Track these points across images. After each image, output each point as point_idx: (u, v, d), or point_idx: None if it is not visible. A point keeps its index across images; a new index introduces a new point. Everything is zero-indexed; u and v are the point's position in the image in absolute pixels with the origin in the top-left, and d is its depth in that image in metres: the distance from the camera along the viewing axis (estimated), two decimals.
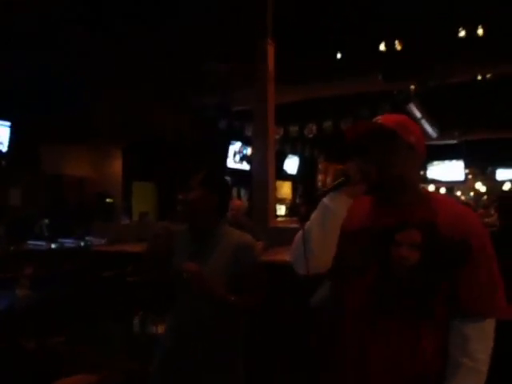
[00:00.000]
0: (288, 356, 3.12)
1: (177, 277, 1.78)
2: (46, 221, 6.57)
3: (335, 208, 1.30)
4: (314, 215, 1.35)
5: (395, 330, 1.27)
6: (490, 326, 1.26)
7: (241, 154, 11.40)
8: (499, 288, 1.26)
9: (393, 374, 1.27)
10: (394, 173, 1.33)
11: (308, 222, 1.35)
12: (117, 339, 2.75)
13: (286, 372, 3.06)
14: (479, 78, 7.51)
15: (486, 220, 6.67)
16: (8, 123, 6.76)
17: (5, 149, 6.78)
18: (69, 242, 5.82)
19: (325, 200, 1.32)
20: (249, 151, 10.90)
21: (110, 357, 2.43)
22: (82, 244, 5.81)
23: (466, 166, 14.79)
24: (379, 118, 1.38)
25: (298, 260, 1.36)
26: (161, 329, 2.56)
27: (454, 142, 12.34)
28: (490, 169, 15.76)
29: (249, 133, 9.01)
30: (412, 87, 7.95)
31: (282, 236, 4.08)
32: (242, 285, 1.73)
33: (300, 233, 1.36)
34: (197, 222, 1.82)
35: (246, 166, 11.29)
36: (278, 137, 8.72)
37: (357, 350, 1.32)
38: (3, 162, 6.81)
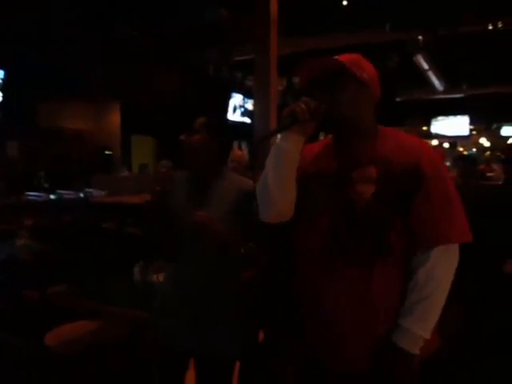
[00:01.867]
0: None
1: (179, 223, 1.75)
2: (42, 173, 6.53)
3: (287, 147, 1.27)
4: (267, 159, 1.32)
5: (350, 271, 1.26)
6: (452, 251, 1.25)
7: (242, 109, 11.17)
8: (458, 212, 1.25)
9: (347, 316, 1.27)
10: (343, 110, 1.29)
11: (265, 170, 1.32)
12: (117, 288, 2.75)
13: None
14: (490, 27, 7.21)
15: (489, 175, 6.61)
16: (1, 72, 6.56)
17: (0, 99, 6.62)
18: (68, 194, 5.80)
19: (277, 141, 1.29)
20: (250, 105, 10.66)
21: (110, 306, 2.43)
22: (82, 195, 5.79)
23: (472, 122, 14.56)
24: (333, 57, 1.32)
25: (259, 207, 1.34)
26: (161, 277, 2.55)
27: (461, 95, 12.06)
28: (495, 125, 15.56)
29: (250, 83, 8.79)
30: (420, 37, 7.67)
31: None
32: (244, 230, 1.69)
33: (259, 181, 1.34)
34: (198, 165, 1.77)
35: (247, 119, 11.10)
36: (281, 88, 8.51)
37: (312, 296, 1.33)
38: None
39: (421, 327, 1.22)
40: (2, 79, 6.59)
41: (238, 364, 1.96)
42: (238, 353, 1.78)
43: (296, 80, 9.37)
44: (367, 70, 1.33)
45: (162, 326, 1.79)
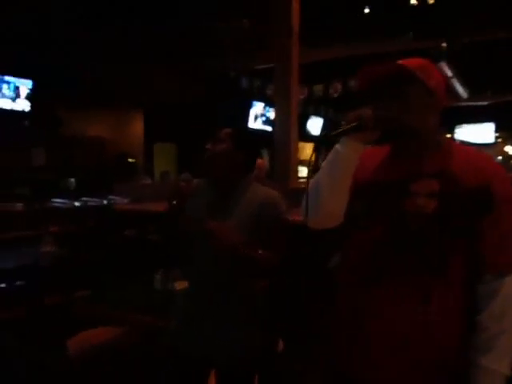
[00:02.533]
0: (305, 317, 3.12)
1: (196, 233, 1.75)
2: (72, 180, 6.65)
3: (346, 153, 1.22)
4: (324, 162, 1.27)
5: (401, 288, 1.19)
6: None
7: (263, 118, 11.18)
8: None
9: (395, 338, 1.18)
10: (410, 120, 1.22)
11: (318, 174, 1.27)
12: (138, 296, 2.78)
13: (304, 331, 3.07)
14: None
15: None
16: (30, 81, 6.75)
17: (27, 108, 6.79)
18: (92, 201, 5.89)
19: (336, 145, 1.23)
20: (271, 114, 10.67)
21: (131, 312, 2.45)
22: (105, 202, 5.87)
23: (497, 130, 14.27)
24: (399, 61, 1.25)
25: (306, 210, 1.26)
26: (181, 285, 2.56)
27: (485, 103, 11.84)
28: None
29: (270, 92, 8.80)
30: (444, 45, 7.57)
31: (303, 197, 4.03)
32: (264, 241, 1.68)
33: (311, 182, 1.28)
34: (221, 175, 1.77)
35: (267, 127, 11.11)
36: (302, 97, 8.51)
37: (355, 310, 1.25)
38: (26, 122, 6.85)
39: (503, 364, 1.14)
40: (30, 89, 6.77)
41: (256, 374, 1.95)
42: (256, 362, 1.77)
43: (318, 87, 9.35)
44: (435, 77, 1.26)
45: (179, 334, 1.80)
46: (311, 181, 1.29)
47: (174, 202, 1.78)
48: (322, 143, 1.23)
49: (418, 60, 1.27)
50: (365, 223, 1.27)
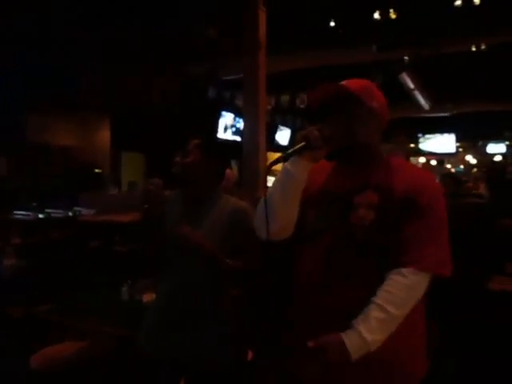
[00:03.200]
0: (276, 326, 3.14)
1: (168, 240, 1.76)
2: (34, 191, 6.48)
3: (295, 172, 1.30)
4: (275, 179, 1.36)
5: (347, 291, 1.28)
6: (421, 279, 1.24)
7: (233, 128, 11.20)
8: (440, 245, 1.26)
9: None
10: (354, 138, 1.33)
11: (270, 187, 1.36)
12: (104, 308, 2.73)
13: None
14: (473, 48, 7.40)
15: (475, 192, 6.71)
16: None
17: None
18: (56, 212, 5.75)
19: (286, 164, 1.31)
20: (241, 124, 10.71)
21: (97, 325, 2.41)
22: (71, 214, 5.75)
23: (458, 140, 14.80)
24: (343, 83, 1.36)
25: (259, 224, 1.36)
26: (148, 297, 2.54)
27: (446, 114, 12.28)
28: (481, 142, 15.82)
29: (240, 102, 8.85)
30: (406, 57, 7.83)
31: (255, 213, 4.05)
32: (235, 250, 1.71)
33: (263, 198, 1.36)
34: (191, 186, 1.79)
35: (237, 137, 11.14)
36: (269, 107, 8.61)
37: (309, 314, 1.34)
38: None
39: (368, 332, 1.20)
40: None
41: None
42: (228, 368, 1.78)
43: (285, 98, 9.48)
44: (377, 98, 1.36)
45: (150, 340, 1.79)
46: (261, 200, 1.37)
47: (146, 206, 1.78)
48: (275, 163, 1.30)
49: (361, 81, 1.38)
50: (315, 232, 1.36)
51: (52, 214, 5.68)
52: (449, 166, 15.83)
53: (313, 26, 6.69)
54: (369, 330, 1.20)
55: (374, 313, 1.22)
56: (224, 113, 10.80)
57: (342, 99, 1.32)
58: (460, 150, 15.82)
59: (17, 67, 6.21)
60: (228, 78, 8.48)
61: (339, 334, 1.21)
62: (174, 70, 8.38)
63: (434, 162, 15.23)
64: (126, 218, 4.30)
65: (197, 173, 1.76)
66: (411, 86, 9.44)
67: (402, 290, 1.23)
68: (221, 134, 10.84)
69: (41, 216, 5.53)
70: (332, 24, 6.80)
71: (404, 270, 1.23)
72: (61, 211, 5.80)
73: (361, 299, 1.25)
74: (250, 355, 2.72)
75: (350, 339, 1.20)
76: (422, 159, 14.70)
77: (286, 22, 6.23)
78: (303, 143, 1.26)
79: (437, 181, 1.41)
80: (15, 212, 5.49)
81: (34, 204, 6.08)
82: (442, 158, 15.28)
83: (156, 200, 1.79)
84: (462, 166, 15.99)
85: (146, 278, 2.68)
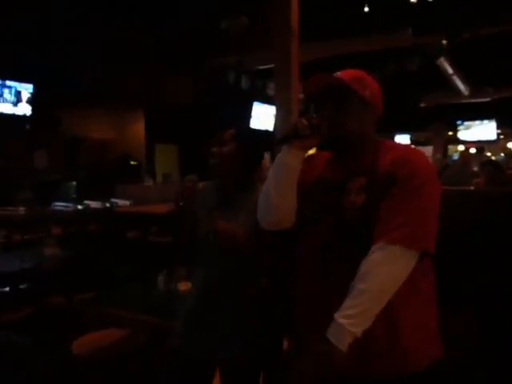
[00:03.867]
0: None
1: (203, 234, 1.77)
2: (74, 183, 6.66)
3: (287, 161, 1.34)
4: (270, 169, 1.40)
5: (342, 275, 1.29)
6: (398, 255, 1.22)
7: (265, 118, 11.14)
8: (419, 221, 1.24)
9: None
10: (345, 128, 1.35)
11: (267, 179, 1.40)
12: (141, 297, 2.78)
13: None
14: None
15: None
16: (31, 86, 6.75)
17: (29, 113, 6.80)
18: (94, 204, 5.89)
19: (279, 154, 1.36)
20: (273, 114, 10.63)
21: (134, 314, 2.45)
22: (108, 205, 5.88)
23: (499, 126, 14.22)
24: (337, 73, 1.39)
25: (260, 215, 1.42)
26: (184, 286, 2.57)
27: (487, 99, 11.80)
28: None
29: (270, 92, 8.80)
30: (444, 42, 7.55)
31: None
32: (268, 242, 1.68)
33: (262, 188, 1.43)
34: (229, 176, 1.80)
35: (269, 127, 11.09)
36: (301, 96, 8.49)
37: (307, 301, 1.38)
38: (27, 126, 6.85)
39: (349, 321, 1.19)
40: (31, 93, 6.78)
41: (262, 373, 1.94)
42: (261, 362, 1.77)
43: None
44: (370, 87, 1.38)
45: (185, 335, 1.80)
46: (262, 187, 1.43)
47: (181, 204, 1.80)
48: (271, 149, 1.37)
49: (355, 72, 1.41)
50: (313, 220, 1.40)
51: (90, 206, 5.83)
52: (489, 153, 15.26)
53: (347, 12, 6.54)
54: (342, 315, 1.20)
55: (354, 300, 1.22)
56: (256, 102, 10.77)
57: (333, 89, 1.35)
58: (501, 137, 15.21)
59: (52, 64, 6.36)
60: (260, 67, 8.42)
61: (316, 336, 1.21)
62: (205, 62, 8.40)
63: (473, 150, 14.74)
64: (162, 209, 4.35)
65: (234, 162, 1.77)
66: (450, 71, 9.11)
67: (369, 266, 1.21)
68: (253, 124, 10.84)
69: (80, 207, 5.68)
70: (366, 9, 6.62)
71: (373, 247, 1.23)
72: (98, 202, 5.94)
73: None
74: (285, 345, 2.71)
75: (328, 333, 1.20)
76: (461, 147, 14.24)
77: (318, 8, 6.10)
78: (291, 132, 1.31)
79: (426, 159, 1.38)
80: (55, 203, 5.66)
81: (74, 195, 6.26)
82: (481, 145, 14.75)
83: (191, 198, 1.81)
84: (502, 154, 15.39)
85: (181, 266, 2.71)
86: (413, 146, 1.49)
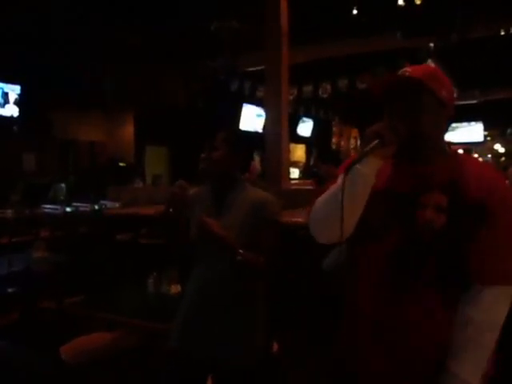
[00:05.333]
0: (299, 318, 3.13)
1: (196, 235, 1.77)
2: (63, 185, 6.61)
3: (366, 171, 1.19)
4: (343, 180, 1.20)
5: (412, 299, 1.20)
6: (509, 294, 1.17)
7: (254, 120, 11.17)
8: None
9: (406, 345, 1.21)
10: (421, 132, 1.21)
11: (334, 188, 1.24)
12: (131, 300, 2.77)
13: (299, 333, 3.08)
14: (502, 33, 7.15)
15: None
16: (18, 87, 6.69)
17: (16, 114, 6.74)
18: (83, 206, 5.85)
19: (357, 165, 1.18)
20: (262, 116, 10.68)
21: (125, 316, 2.44)
22: (97, 207, 5.84)
23: (486, 128, 14.40)
24: (407, 70, 1.25)
25: (322, 229, 1.28)
26: (175, 288, 2.56)
27: (474, 101, 11.94)
28: (509, 130, 15.35)
29: (259, 94, 8.81)
30: (431, 44, 7.63)
31: (295, 198, 4.04)
32: (256, 241, 1.70)
33: (320, 199, 1.28)
34: (220, 180, 1.82)
35: (259, 129, 11.13)
36: (291, 97, 8.52)
37: (370, 319, 1.26)
38: (15, 128, 6.80)
39: (469, 373, 1.14)
40: (19, 94, 6.72)
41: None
42: (256, 364, 1.78)
43: (308, 89, 9.38)
44: (446, 86, 1.25)
45: (182, 334, 1.80)
46: (318, 201, 1.29)
47: (171, 210, 1.80)
48: (350, 169, 1.19)
49: (428, 68, 1.28)
50: (378, 234, 1.27)
51: (79, 208, 5.78)
52: (476, 155, 15.43)
53: (335, 15, 6.58)
54: (468, 371, 1.14)
55: (469, 348, 1.15)
56: (245, 104, 10.80)
57: (409, 88, 1.22)
58: (488, 138, 15.40)
59: (40, 65, 6.31)
60: (249, 69, 8.43)
61: None
62: (195, 64, 8.39)
63: (460, 151, 14.85)
64: (152, 211, 4.34)
65: (225, 166, 1.78)
66: None
67: (489, 313, 1.15)
68: (242, 126, 10.85)
69: (68, 210, 5.64)
70: (355, 12, 6.66)
71: (488, 290, 1.15)
72: (87, 205, 5.90)
73: (427, 310, 1.19)
74: (275, 348, 2.72)
75: None
76: None
77: (308, 11, 6.13)
78: (376, 141, 1.16)
79: (504, 179, 1.30)
80: (44, 206, 5.61)
81: (62, 198, 6.21)
82: (469, 147, 14.91)
83: (181, 204, 1.81)
84: (489, 156, 15.58)
85: (172, 269, 2.71)
86: (488, 163, 1.36)
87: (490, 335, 1.16)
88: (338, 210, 1.17)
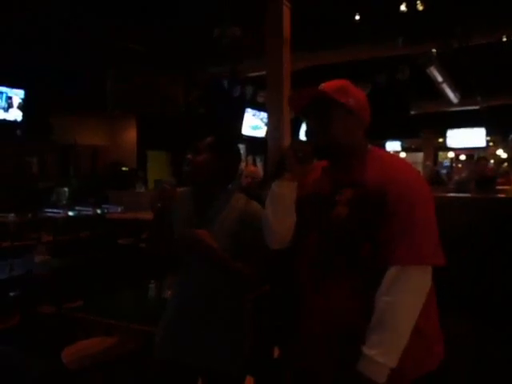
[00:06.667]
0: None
1: (179, 240, 1.77)
2: (65, 189, 6.63)
3: (281, 192, 1.40)
4: (267, 199, 1.46)
5: (328, 283, 1.34)
6: (413, 274, 1.24)
7: (256, 124, 11.18)
8: (422, 236, 1.25)
9: (329, 326, 1.33)
10: (333, 139, 1.36)
11: (266, 205, 1.47)
12: (132, 305, 2.77)
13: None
14: (504, 39, 7.16)
15: (507, 187, 6.48)
16: (22, 91, 6.73)
17: (19, 118, 6.77)
18: (86, 210, 5.87)
19: (272, 186, 1.43)
20: (264, 121, 10.71)
21: (125, 321, 2.45)
22: (99, 212, 5.86)
23: (488, 133, 14.38)
24: (321, 85, 1.40)
25: (265, 238, 1.49)
26: None
27: (476, 107, 11.94)
28: (511, 136, 15.33)
29: (260, 99, 8.82)
30: (433, 50, 7.64)
31: None
32: (243, 253, 1.69)
33: (263, 215, 1.49)
34: (201, 185, 1.79)
35: (261, 134, 11.14)
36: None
37: (305, 309, 1.42)
38: (18, 132, 6.83)
39: (382, 354, 1.21)
40: (23, 99, 6.76)
41: (251, 380, 1.95)
42: (242, 370, 1.77)
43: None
44: (354, 95, 1.37)
45: (167, 340, 1.79)
46: (263, 213, 1.49)
47: (159, 205, 1.79)
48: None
49: (337, 82, 1.40)
50: (302, 234, 1.44)
51: (81, 212, 5.80)
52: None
53: (337, 21, 6.60)
54: (378, 352, 1.21)
55: (377, 330, 1.23)
56: (247, 109, 10.81)
57: (317, 101, 1.36)
58: (490, 144, 15.37)
59: (44, 70, 6.35)
60: (251, 75, 8.45)
61: (360, 372, 1.22)
62: (197, 70, 8.42)
63: (463, 157, 14.85)
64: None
65: (207, 171, 1.75)
66: (440, 79, 9.21)
67: (394, 294, 1.22)
68: (245, 131, 10.87)
69: (71, 214, 5.66)
70: (357, 18, 6.68)
71: (396, 270, 1.24)
72: (89, 209, 5.91)
73: (344, 297, 1.31)
74: (276, 352, 2.71)
75: (367, 370, 1.21)
76: (451, 154, 14.35)
77: (310, 17, 6.15)
78: (274, 170, 1.37)
79: (413, 170, 1.39)
80: (46, 210, 5.63)
81: (64, 202, 6.23)
82: (471, 152, 14.88)
83: (169, 199, 1.79)
84: (492, 161, 15.54)
85: (171, 275, 2.71)
86: (401, 155, 1.50)
87: (395, 316, 1.22)
88: (266, 224, 1.44)
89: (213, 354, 1.71)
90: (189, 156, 1.77)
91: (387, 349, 1.21)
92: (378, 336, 1.22)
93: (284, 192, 1.40)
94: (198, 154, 1.76)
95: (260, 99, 8.84)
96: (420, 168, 11.64)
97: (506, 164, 13.71)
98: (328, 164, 1.47)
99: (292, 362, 1.54)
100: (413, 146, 15.41)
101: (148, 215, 4.66)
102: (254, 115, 11.09)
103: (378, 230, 1.27)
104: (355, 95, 1.38)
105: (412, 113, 12.10)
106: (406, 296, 1.23)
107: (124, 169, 8.19)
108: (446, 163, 15.22)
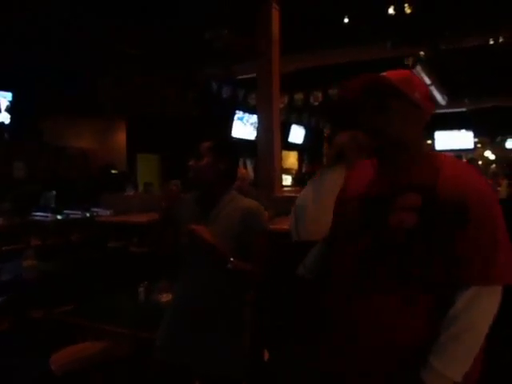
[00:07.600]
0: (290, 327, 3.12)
1: (183, 242, 1.78)
2: (54, 192, 6.57)
3: (331, 178, 1.37)
4: (311, 183, 1.42)
5: (376, 296, 1.21)
6: (493, 293, 1.17)
7: (246, 127, 11.20)
8: (502, 253, 1.15)
9: (379, 346, 1.21)
10: (391, 134, 1.22)
11: (304, 191, 1.41)
12: (122, 308, 2.75)
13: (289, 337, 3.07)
14: (491, 42, 7.25)
15: (497, 189, 6.55)
16: (9, 94, 6.67)
17: (7, 121, 6.71)
18: (74, 214, 5.82)
19: (322, 172, 1.39)
20: (254, 123, 10.73)
21: (115, 325, 2.43)
22: (88, 215, 5.81)
23: (476, 135, 14.55)
24: (382, 74, 1.25)
25: (295, 226, 1.44)
26: (166, 297, 2.55)
27: (464, 109, 12.08)
28: (499, 138, 15.53)
29: (252, 101, 8.84)
30: (421, 53, 7.71)
31: (288, 205, 4.04)
32: (246, 251, 1.70)
33: (296, 201, 1.42)
34: (207, 189, 1.82)
35: (251, 136, 11.16)
36: (282, 105, 8.56)
37: (342, 323, 1.27)
38: (6, 135, 6.76)
39: (451, 369, 1.15)
40: (10, 101, 6.70)
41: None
42: (242, 372, 1.77)
43: (299, 96, 9.44)
44: (419, 88, 1.24)
45: (167, 343, 1.79)
46: (297, 200, 1.43)
47: (164, 205, 1.82)
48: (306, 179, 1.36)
49: (402, 72, 1.27)
50: (352, 233, 1.28)
51: (70, 215, 5.75)
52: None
53: (326, 24, 6.63)
54: (448, 368, 1.15)
55: (450, 345, 1.15)
56: (237, 111, 10.82)
57: (380, 90, 1.22)
58: (478, 145, 15.55)
59: (33, 72, 6.29)
60: (241, 77, 8.46)
61: (423, 381, 1.15)
62: (189, 72, 8.40)
63: (440, 153, 14.95)
64: (143, 219, 4.33)
65: (211, 175, 1.78)
66: (428, 81, 9.29)
67: (471, 313, 1.15)
68: (235, 133, 10.88)
69: (59, 217, 5.60)
70: (346, 21, 6.72)
71: (473, 290, 1.15)
72: (78, 212, 5.86)
73: (394, 311, 1.18)
74: (266, 356, 2.72)
75: (431, 381, 1.15)
76: None
77: (299, 19, 6.18)
78: (336, 158, 1.32)
79: (484, 179, 1.25)
80: (34, 213, 5.57)
81: (53, 205, 6.17)
82: (459, 154, 15.03)
83: (174, 201, 1.82)
84: (480, 162, 15.72)
85: (164, 278, 2.70)
86: (469, 164, 1.37)
87: (472, 334, 1.16)
88: (303, 211, 1.37)
89: (213, 355, 1.71)
90: (191, 163, 1.79)
91: (458, 366, 1.15)
92: (451, 351, 1.15)
93: (335, 178, 1.33)
94: (199, 159, 1.79)
95: (252, 101, 8.86)
96: None
97: (494, 165, 13.88)
98: (381, 162, 1.30)
99: (319, 366, 1.40)
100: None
101: (138, 218, 4.64)
102: (243, 117, 11.12)
103: (453, 244, 1.15)
104: (420, 88, 1.24)
105: None
106: (486, 316, 1.16)
107: (114, 172, 8.15)
108: None
